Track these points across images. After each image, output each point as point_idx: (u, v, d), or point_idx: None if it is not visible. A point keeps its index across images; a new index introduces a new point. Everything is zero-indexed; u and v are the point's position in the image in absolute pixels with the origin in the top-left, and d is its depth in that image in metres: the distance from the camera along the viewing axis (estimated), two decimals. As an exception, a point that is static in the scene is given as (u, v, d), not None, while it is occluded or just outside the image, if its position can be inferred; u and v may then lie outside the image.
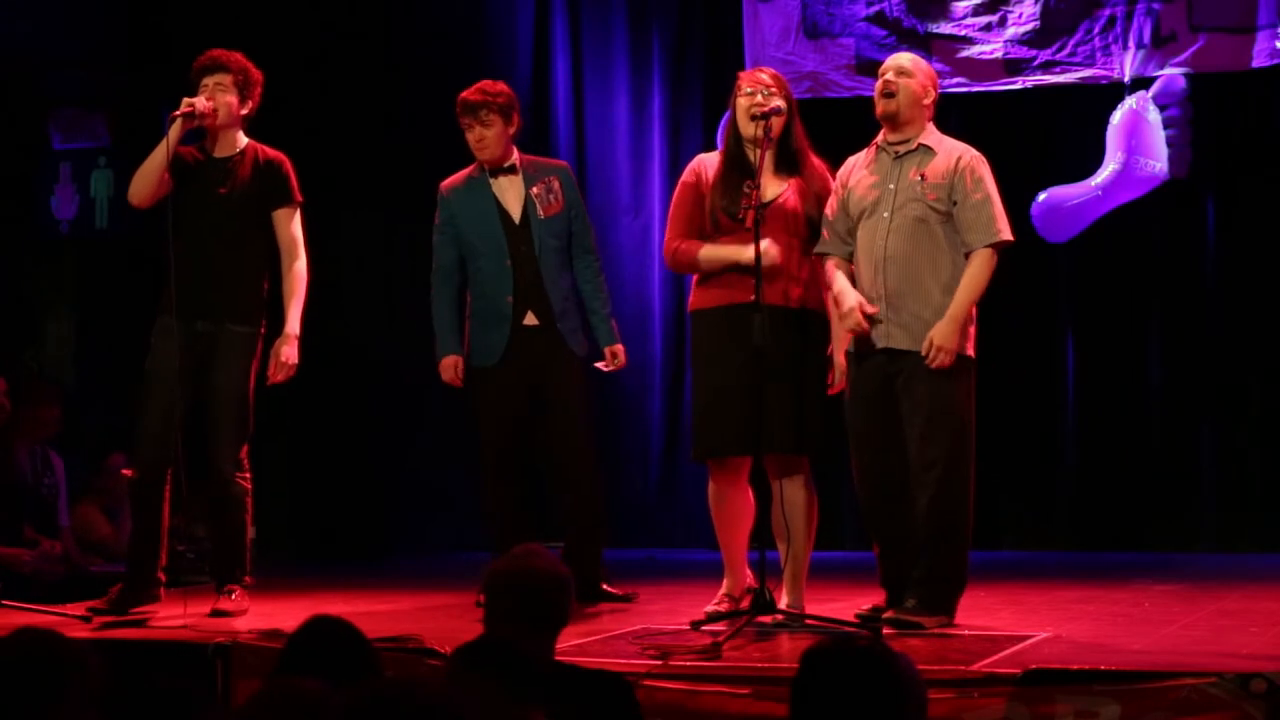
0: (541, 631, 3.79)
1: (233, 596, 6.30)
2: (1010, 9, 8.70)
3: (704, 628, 5.73)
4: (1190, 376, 8.75)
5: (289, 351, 6.40)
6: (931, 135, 5.87)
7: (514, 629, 3.72)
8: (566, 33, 9.59)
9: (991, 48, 8.71)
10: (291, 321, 6.41)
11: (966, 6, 8.76)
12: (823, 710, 2.86)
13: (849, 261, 5.87)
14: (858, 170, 5.91)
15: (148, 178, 6.33)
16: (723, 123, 6.23)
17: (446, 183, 6.83)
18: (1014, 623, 5.89)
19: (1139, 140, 8.50)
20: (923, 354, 5.63)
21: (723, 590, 6.08)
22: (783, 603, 5.84)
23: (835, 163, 6.07)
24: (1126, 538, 8.73)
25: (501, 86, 6.73)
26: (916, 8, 8.81)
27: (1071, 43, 8.61)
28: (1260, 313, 8.63)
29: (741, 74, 6.21)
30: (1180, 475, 8.76)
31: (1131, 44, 8.51)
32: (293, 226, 6.47)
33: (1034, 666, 4.71)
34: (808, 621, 5.75)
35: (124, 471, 6.67)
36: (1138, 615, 6.21)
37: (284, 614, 6.01)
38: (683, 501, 9.16)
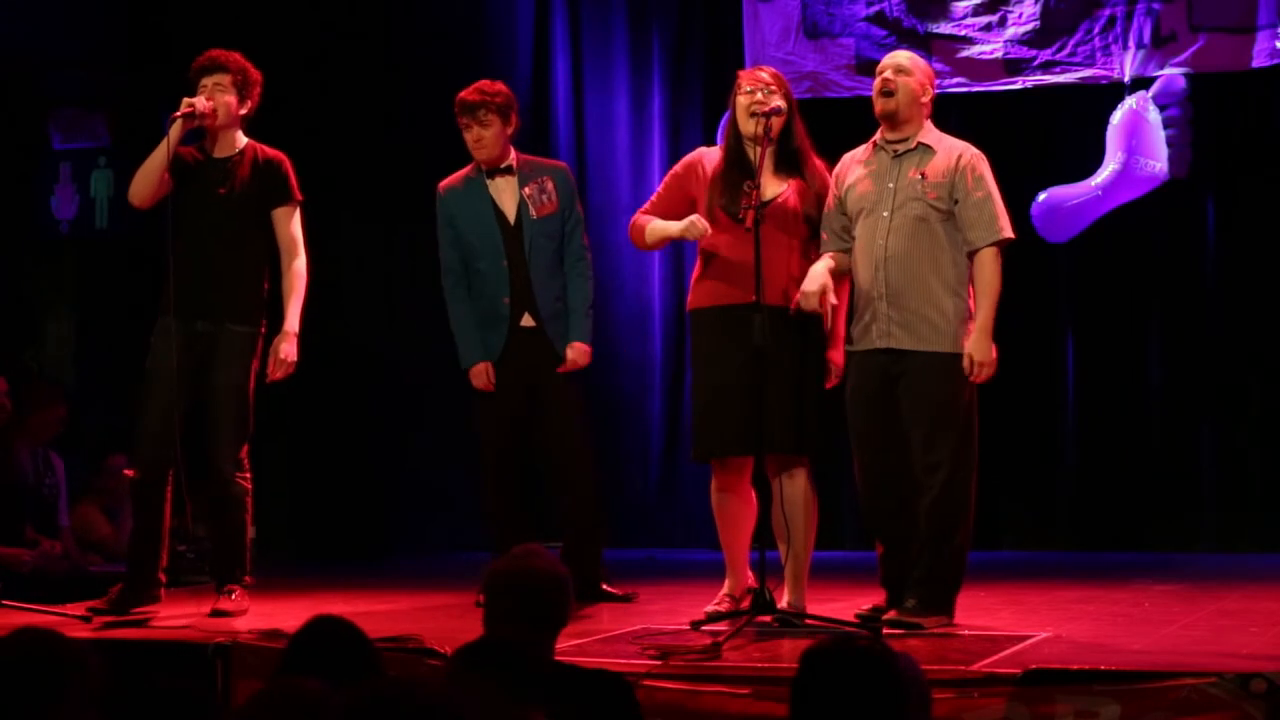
0: (541, 631, 3.79)
1: (233, 596, 6.30)
2: (1010, 9, 8.70)
3: (704, 628, 5.73)
4: (1190, 376, 8.75)
5: (288, 349, 6.40)
6: (930, 134, 5.87)
7: (514, 629, 3.73)
8: (566, 33, 9.59)
9: (991, 48, 8.71)
10: (291, 319, 6.41)
11: (966, 6, 8.76)
12: (823, 710, 2.86)
13: (847, 258, 5.87)
14: (855, 168, 5.91)
15: (148, 178, 6.33)
16: (723, 122, 6.24)
17: (444, 183, 6.83)
18: (1014, 623, 5.88)
19: (1139, 140, 8.50)
20: (965, 373, 5.64)
21: (724, 590, 6.08)
22: (783, 603, 5.84)
23: (835, 164, 6.07)
24: (1126, 538, 8.73)
25: (499, 86, 6.73)
26: (916, 8, 8.81)
27: (1071, 43, 8.61)
28: (1260, 313, 8.63)
29: (741, 72, 6.21)
30: (1180, 475, 8.76)
31: (1131, 44, 8.51)
32: (292, 225, 6.47)
33: (1034, 666, 4.71)
34: (808, 621, 5.75)
35: (125, 472, 6.68)
36: (1138, 615, 6.21)
37: (284, 614, 6.01)
38: (683, 501, 9.16)
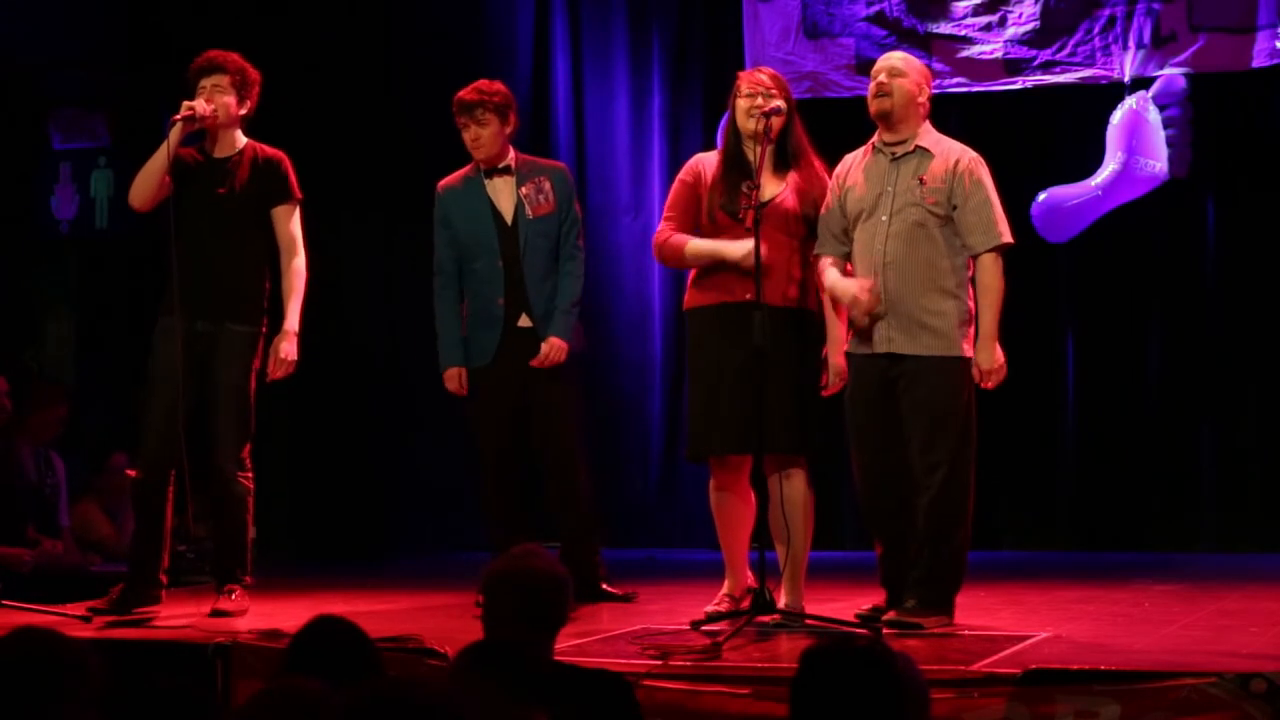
0: (540, 632, 3.79)
1: (233, 596, 6.30)
2: (1010, 9, 8.70)
3: (704, 628, 5.73)
4: (1190, 376, 8.75)
5: (288, 348, 6.40)
6: (928, 136, 5.87)
7: (513, 629, 3.73)
8: (566, 33, 9.59)
9: (991, 48, 8.71)
10: (290, 318, 6.42)
11: (966, 6, 8.76)
12: (823, 710, 2.86)
13: (845, 260, 5.87)
14: (854, 171, 5.91)
15: (148, 181, 6.34)
16: (722, 123, 6.24)
17: (443, 182, 6.83)
18: (1014, 623, 5.88)
19: (1139, 140, 8.50)
20: (976, 383, 5.65)
21: (723, 590, 6.08)
22: (782, 603, 5.84)
23: (835, 164, 6.07)
24: (1126, 538, 8.73)
25: (498, 86, 6.73)
26: (916, 8, 8.81)
27: (1071, 43, 8.60)
28: (1260, 313, 8.63)
29: (741, 74, 6.21)
30: (1180, 475, 8.75)
31: (1131, 44, 8.51)
32: (292, 224, 6.48)
33: (1034, 666, 4.71)
34: (808, 621, 5.75)
35: (128, 471, 6.68)
36: (1138, 615, 6.21)
37: (284, 614, 6.01)
38: (683, 501, 9.16)
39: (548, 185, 6.75)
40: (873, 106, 5.86)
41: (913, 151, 5.82)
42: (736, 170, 6.01)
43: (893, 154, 5.83)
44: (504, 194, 6.73)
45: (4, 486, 8.17)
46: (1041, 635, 5.52)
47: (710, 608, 5.97)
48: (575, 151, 9.49)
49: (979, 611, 5.98)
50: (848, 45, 8.90)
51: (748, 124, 5.98)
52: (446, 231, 6.76)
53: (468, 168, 6.79)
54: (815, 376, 5.96)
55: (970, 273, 5.77)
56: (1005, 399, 8.27)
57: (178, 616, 6.18)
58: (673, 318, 9.33)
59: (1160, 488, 8.76)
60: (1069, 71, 8.63)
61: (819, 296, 6.00)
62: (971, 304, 5.76)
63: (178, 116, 6.31)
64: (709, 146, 7.55)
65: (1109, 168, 8.55)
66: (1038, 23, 8.65)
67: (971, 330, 5.75)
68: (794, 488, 5.93)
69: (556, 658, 3.94)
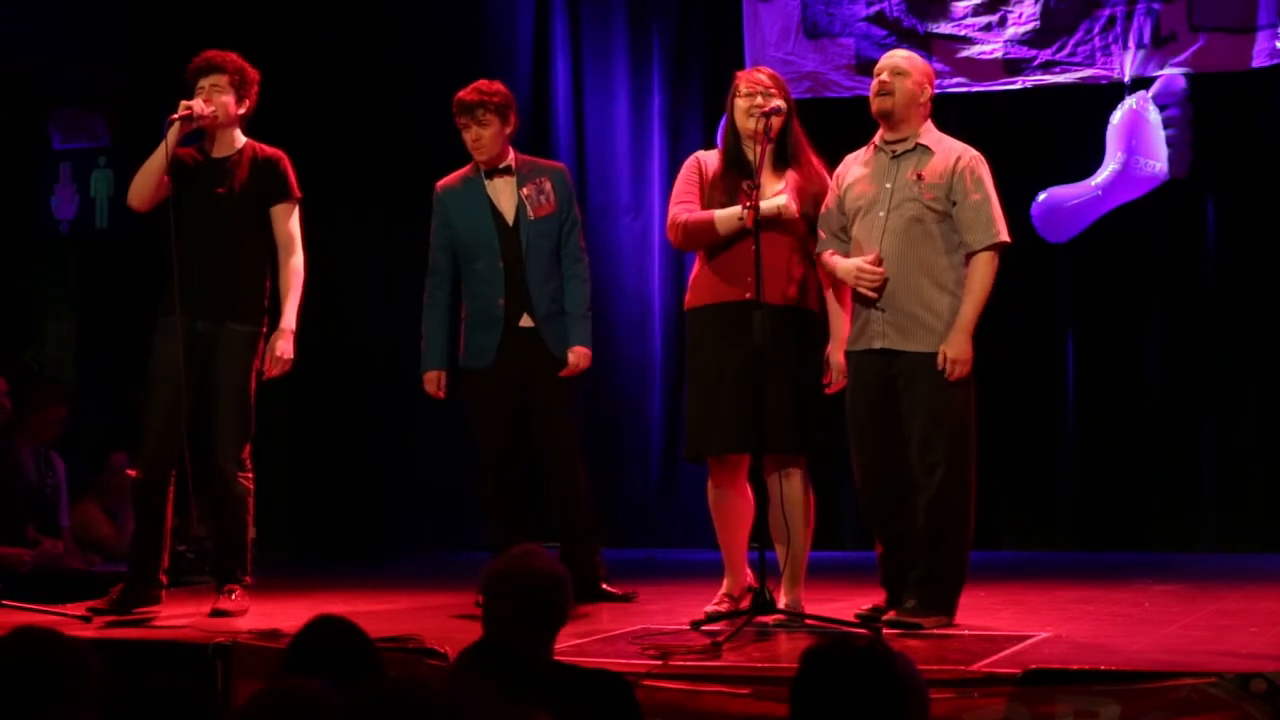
0: (540, 631, 3.79)
1: (233, 596, 6.30)
2: (1010, 9, 8.70)
3: (704, 628, 5.73)
4: (1190, 376, 8.75)
5: (284, 346, 6.41)
6: (929, 135, 5.87)
7: (513, 629, 3.72)
8: (566, 33, 9.59)
9: (991, 48, 8.71)
10: (287, 317, 6.42)
11: (966, 6, 8.76)
12: (823, 710, 2.85)
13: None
14: (855, 168, 5.92)
15: (146, 181, 6.34)
16: (722, 123, 6.24)
17: (442, 183, 6.83)
18: (1014, 623, 5.88)
19: (1139, 140, 8.50)
20: (939, 368, 5.64)
21: (723, 590, 6.08)
22: (782, 602, 5.84)
23: (835, 164, 6.08)
24: (1126, 538, 8.73)
25: (498, 86, 6.73)
26: (916, 8, 8.81)
27: (1071, 43, 8.61)
28: (1260, 313, 8.63)
29: (739, 74, 6.21)
30: (1180, 475, 8.76)
31: (1131, 44, 8.51)
32: (290, 223, 6.48)
33: (1034, 666, 4.71)
34: (808, 621, 5.75)
35: (128, 471, 6.68)
36: (1138, 615, 6.21)
37: (284, 614, 6.01)
38: (683, 501, 9.16)
39: (549, 186, 6.75)
40: (874, 105, 5.86)
41: (913, 149, 5.82)
42: (736, 170, 6.01)
43: (893, 152, 5.84)
44: (504, 194, 6.73)
45: (4, 486, 8.17)
46: (1041, 635, 5.51)
47: (710, 607, 5.97)
48: (575, 151, 9.49)
49: (979, 611, 5.98)
50: (848, 45, 8.90)
51: (747, 124, 5.98)
52: (445, 232, 6.76)
53: (466, 168, 6.79)
54: (815, 376, 5.97)
55: (967, 270, 5.76)
56: (1005, 399, 8.33)
57: (178, 616, 6.18)
58: (673, 318, 9.33)
59: (1160, 488, 8.76)
60: (1069, 71, 8.63)
61: (820, 295, 6.00)
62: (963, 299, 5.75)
63: (175, 116, 6.31)
64: (709, 146, 7.53)
65: (1109, 168, 8.55)
66: (1038, 23, 8.65)
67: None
68: (793, 487, 5.93)
69: (556, 658, 3.94)
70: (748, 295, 5.79)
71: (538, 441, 6.71)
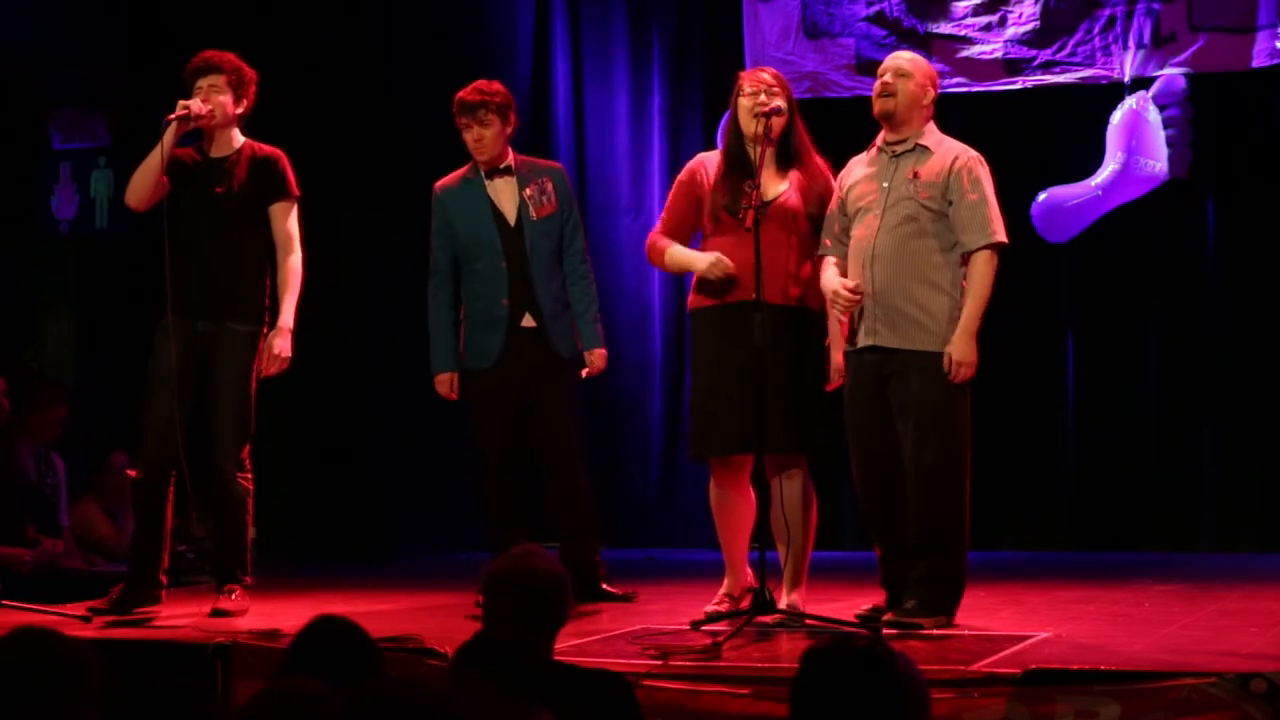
0: (540, 631, 3.79)
1: (233, 596, 6.30)
2: (1010, 9, 8.70)
3: (704, 628, 5.73)
4: (1190, 376, 8.75)
5: (282, 344, 6.41)
6: (930, 136, 5.87)
7: (513, 629, 3.72)
8: (566, 33, 9.59)
9: (991, 48, 8.71)
10: (285, 315, 6.42)
11: (966, 6, 8.76)
12: (823, 710, 2.85)
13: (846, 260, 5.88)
14: (857, 170, 5.92)
15: (144, 181, 6.34)
16: (723, 123, 6.24)
17: (441, 183, 6.82)
18: (1014, 623, 5.88)
19: (1139, 140, 8.50)
20: (945, 371, 5.64)
21: (723, 590, 6.08)
22: (783, 602, 5.84)
23: (835, 162, 6.08)
24: (1126, 538, 8.73)
25: (498, 86, 6.73)
26: (916, 8, 8.81)
27: (1071, 43, 8.61)
28: (1260, 313, 8.63)
29: (742, 73, 6.21)
30: (1180, 475, 8.76)
31: (1131, 44, 8.51)
32: (288, 221, 6.48)
33: (1034, 666, 4.71)
34: (808, 621, 5.75)
35: (128, 472, 6.68)
36: (1138, 615, 6.21)
37: (284, 614, 6.01)
38: (683, 501, 9.16)
39: (550, 186, 6.75)
40: (876, 106, 5.87)
41: (912, 150, 5.82)
42: (738, 170, 6.01)
43: (893, 152, 5.84)
44: (505, 194, 6.72)
45: (4, 486, 8.17)
46: (1041, 635, 5.51)
47: (710, 607, 5.97)
48: (575, 151, 9.49)
49: (979, 611, 5.98)
50: (848, 45, 8.90)
51: (749, 124, 5.99)
52: (445, 232, 6.75)
53: (465, 168, 6.79)
54: (817, 375, 5.96)
55: (964, 271, 5.76)
56: (1005, 399, 8.32)
57: (178, 616, 6.18)
58: (673, 318, 9.34)
59: (1160, 488, 8.77)
60: (1069, 71, 8.63)
61: (822, 295, 5.99)
62: (964, 302, 5.74)
63: (173, 116, 6.31)
64: (709, 146, 7.56)
65: (1109, 168, 8.55)
66: (1038, 23, 8.65)
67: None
68: (794, 487, 5.93)
69: (556, 658, 3.94)
70: (751, 295, 5.79)
71: (538, 441, 6.71)
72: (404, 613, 6.43)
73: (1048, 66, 8.65)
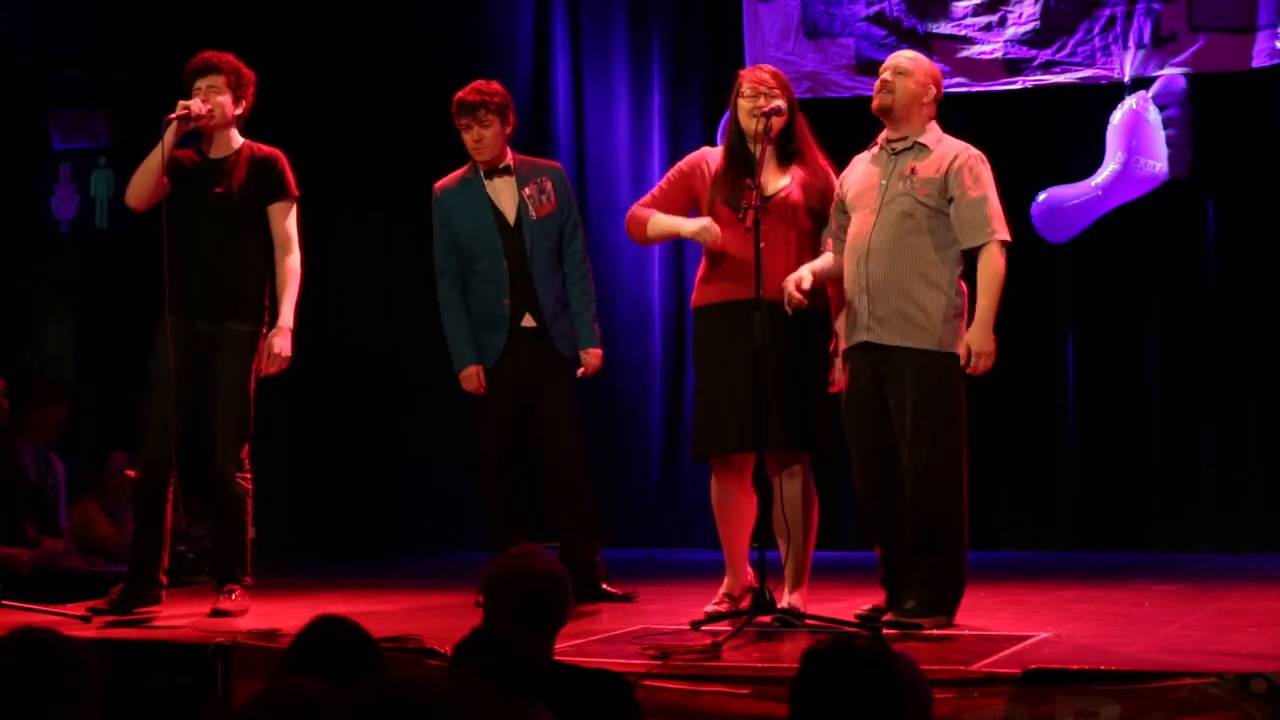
0: (540, 631, 3.79)
1: (233, 596, 6.31)
2: (1010, 9, 8.70)
3: (704, 628, 5.73)
4: (1190, 376, 8.75)
5: (281, 344, 6.41)
6: (931, 134, 5.87)
7: (513, 629, 3.72)
8: (566, 33, 9.59)
9: (991, 48, 8.71)
10: (284, 314, 6.43)
11: (966, 6, 8.76)
12: (823, 710, 2.85)
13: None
14: (858, 167, 5.93)
15: (144, 181, 6.35)
16: (723, 123, 6.24)
17: (440, 184, 6.83)
18: (1014, 623, 5.88)
19: (1139, 140, 8.50)
20: (962, 364, 5.63)
21: (723, 590, 6.08)
22: (783, 602, 5.84)
23: (835, 162, 6.08)
24: (1126, 538, 8.73)
25: (496, 86, 6.74)
26: (916, 8, 8.81)
27: (1071, 43, 8.61)
28: (1260, 313, 8.63)
29: (742, 73, 6.21)
30: (1180, 475, 8.75)
31: (1131, 44, 8.51)
32: (287, 221, 6.49)
33: (1034, 666, 4.71)
34: (808, 621, 5.75)
35: (128, 471, 6.68)
36: (1138, 615, 6.21)
37: (284, 614, 6.01)
38: (683, 501, 9.16)
39: (549, 185, 6.76)
40: (875, 102, 5.87)
41: (911, 147, 5.83)
42: (740, 167, 6.01)
43: (894, 149, 5.84)
44: (505, 194, 6.73)
45: (4, 486, 8.17)
46: (1041, 635, 5.51)
47: (710, 607, 5.96)
48: (575, 151, 9.49)
49: (979, 611, 5.98)
50: (848, 45, 8.90)
51: (750, 123, 5.99)
52: (446, 232, 6.76)
53: (464, 169, 6.80)
54: (820, 373, 5.97)
55: (961, 269, 5.76)
56: (1005, 399, 8.32)
57: (178, 616, 6.18)
58: (673, 318, 9.34)
59: (1160, 488, 8.76)
60: (1069, 71, 8.63)
61: (826, 292, 6.00)
62: (961, 301, 5.74)
63: (172, 116, 6.31)
64: (710, 146, 7.55)
65: (1109, 168, 8.55)
66: (1038, 23, 8.65)
67: (962, 326, 5.73)
68: (795, 486, 5.93)
69: (556, 658, 3.94)
70: (753, 293, 5.78)
71: (538, 441, 6.71)
72: (404, 613, 6.43)
73: (1048, 66, 8.64)
